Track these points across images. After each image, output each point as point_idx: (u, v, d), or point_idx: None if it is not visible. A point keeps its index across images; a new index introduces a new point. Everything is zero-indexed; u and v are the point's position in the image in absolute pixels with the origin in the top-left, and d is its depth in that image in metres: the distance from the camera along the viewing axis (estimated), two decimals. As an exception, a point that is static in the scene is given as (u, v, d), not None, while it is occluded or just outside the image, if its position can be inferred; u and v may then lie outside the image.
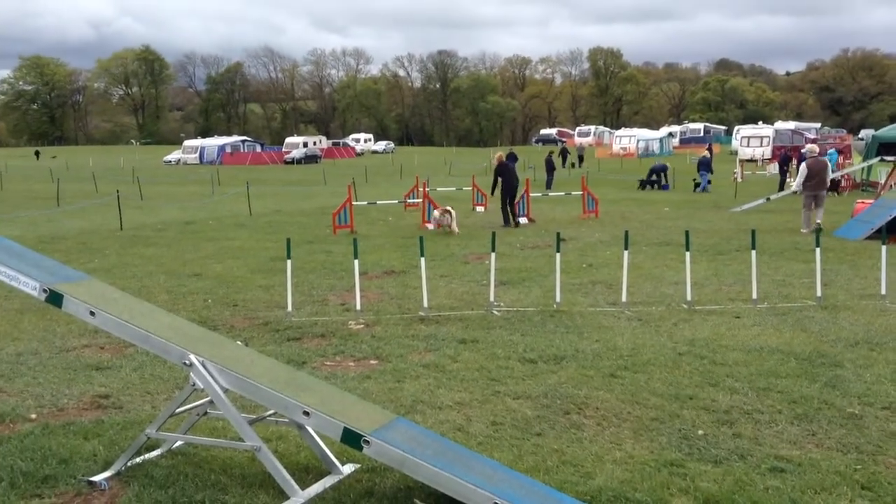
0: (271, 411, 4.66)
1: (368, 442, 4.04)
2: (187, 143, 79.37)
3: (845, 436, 5.10)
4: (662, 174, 32.68)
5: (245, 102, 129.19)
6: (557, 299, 9.11)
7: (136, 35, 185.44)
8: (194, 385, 4.38)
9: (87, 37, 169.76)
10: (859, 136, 56.22)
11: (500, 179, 18.62)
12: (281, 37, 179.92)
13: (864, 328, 7.94)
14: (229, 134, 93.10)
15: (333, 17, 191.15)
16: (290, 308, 8.68)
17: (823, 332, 7.78)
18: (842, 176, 28.50)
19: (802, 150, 20.24)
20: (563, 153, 53.70)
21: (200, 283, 11.07)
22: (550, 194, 25.90)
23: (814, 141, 53.18)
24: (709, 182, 30.63)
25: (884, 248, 9.44)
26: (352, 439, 4.08)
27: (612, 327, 8.16)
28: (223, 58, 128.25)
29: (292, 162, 69.44)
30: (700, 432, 5.18)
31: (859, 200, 17.08)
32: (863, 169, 28.67)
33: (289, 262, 8.67)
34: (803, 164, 17.24)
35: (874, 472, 4.53)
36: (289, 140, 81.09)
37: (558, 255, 9.35)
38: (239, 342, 5.63)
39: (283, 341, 7.73)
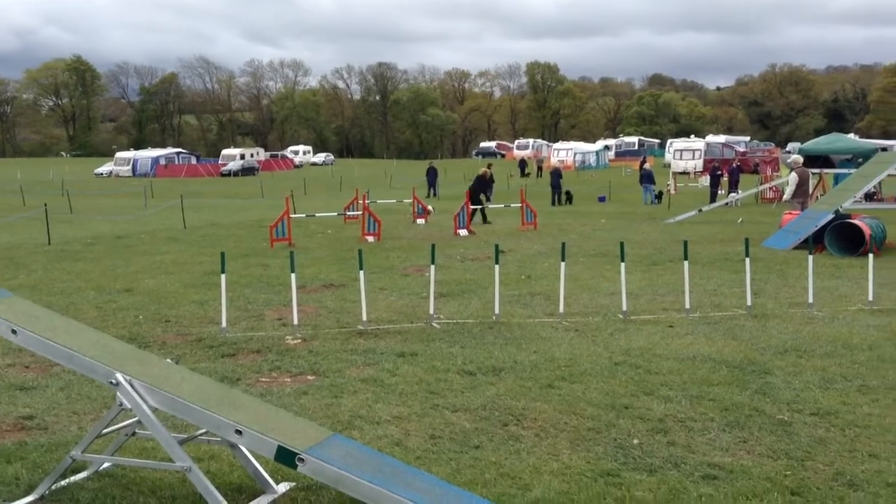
0: (203, 430, 4.54)
1: (303, 460, 3.96)
2: (120, 154, 77.42)
3: (775, 442, 5.21)
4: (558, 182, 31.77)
5: (180, 114, 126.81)
6: (496, 311, 9.14)
7: (64, 44, 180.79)
8: (121, 405, 4.24)
9: (10, 46, 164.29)
10: (786, 149, 58.11)
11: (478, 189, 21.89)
12: (214, 47, 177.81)
13: (792, 336, 8.17)
14: (164, 146, 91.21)
15: (266, 29, 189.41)
16: (224, 323, 8.50)
17: (753, 341, 7.97)
18: (770, 188, 29.39)
19: (789, 161, 20.84)
20: (522, 164, 59.60)
21: (131, 298, 10.77)
22: (490, 206, 26.03)
23: (743, 154, 54.86)
24: (656, 196, 30.99)
25: (810, 257, 9.75)
26: (286, 457, 4.00)
27: (550, 338, 8.22)
28: (157, 68, 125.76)
29: (229, 174, 68.42)
30: (635, 441, 5.24)
31: (787, 212, 17.63)
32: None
33: (223, 276, 8.51)
34: (793, 174, 18.03)
35: (803, 478, 4.64)
36: (225, 152, 79.90)
37: (497, 267, 9.39)
38: (169, 360, 5.48)
39: (217, 358, 7.56)
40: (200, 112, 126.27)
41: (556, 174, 31.38)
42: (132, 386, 4.23)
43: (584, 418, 5.71)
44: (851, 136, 45.02)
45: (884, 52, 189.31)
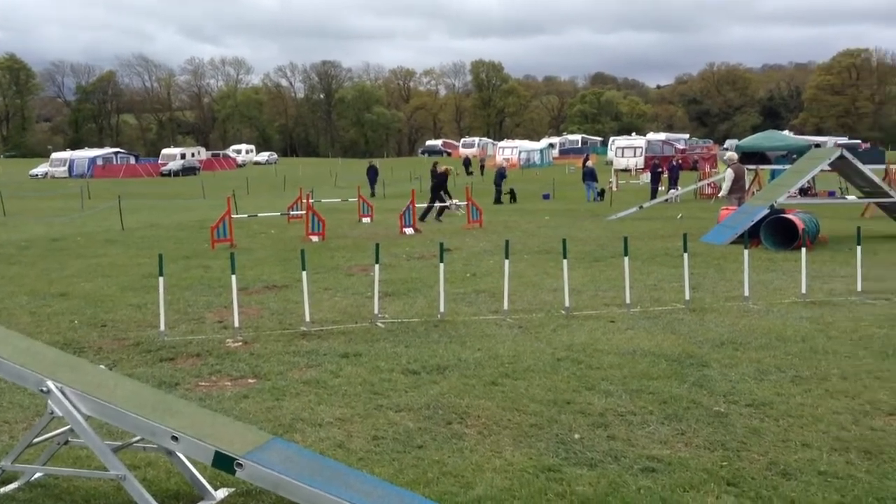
0: (138, 437, 4.44)
1: (241, 465, 3.90)
2: (55, 155, 75.32)
3: (712, 434, 5.32)
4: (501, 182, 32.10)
5: (118, 113, 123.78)
6: (441, 309, 9.14)
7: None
8: (53, 413, 4.13)
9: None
10: (724, 146, 59.46)
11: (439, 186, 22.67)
12: (152, 45, 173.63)
13: (728, 329, 8.36)
14: (101, 146, 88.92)
15: (205, 26, 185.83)
16: (162, 327, 8.32)
17: (692, 334, 8.14)
18: (708, 184, 30.05)
19: (725, 157, 21.30)
20: (467, 163, 59.64)
21: (66, 303, 10.48)
22: (436, 205, 26.03)
23: (683, 151, 55.96)
24: (599, 193, 31.38)
25: (746, 252, 9.99)
26: (224, 463, 3.94)
27: (494, 335, 8.25)
28: (94, 66, 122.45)
29: (169, 174, 67.20)
30: (576, 436, 5.30)
31: (724, 207, 18.05)
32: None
33: (161, 279, 8.33)
34: (729, 170, 18.48)
35: (739, 468, 4.75)
36: (165, 151, 78.41)
37: (442, 265, 9.39)
38: (103, 366, 5.35)
39: (155, 362, 7.40)
40: (139, 111, 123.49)
41: (500, 173, 31.58)
42: (63, 394, 4.13)
43: (526, 415, 5.75)
44: (786, 133, 46.38)
45: (817, 51, 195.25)
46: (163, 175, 67.54)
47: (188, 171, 68.59)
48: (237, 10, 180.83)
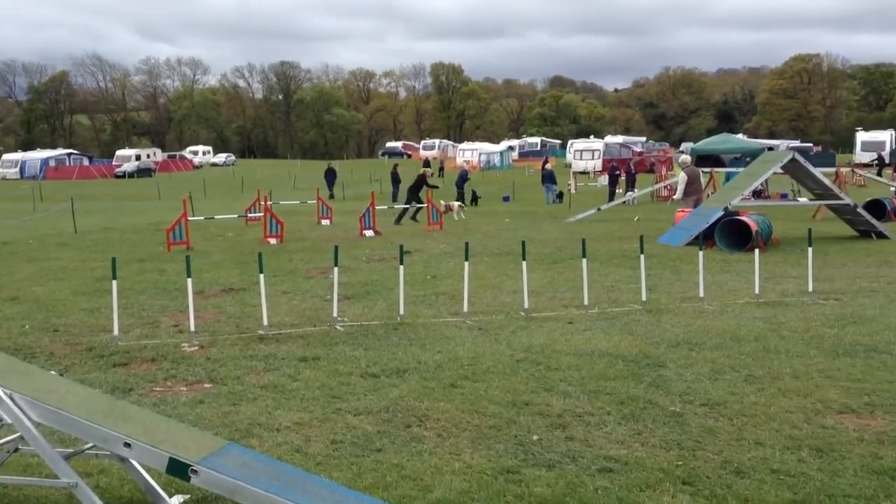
0: (90, 444, 4.35)
1: (196, 471, 3.84)
2: (6, 156, 73.48)
3: (668, 433, 5.39)
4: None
5: (72, 113, 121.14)
6: (401, 312, 9.13)
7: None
8: (2, 420, 4.03)
9: None
10: (680, 148, 60.38)
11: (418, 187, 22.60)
12: (107, 45, 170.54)
13: (684, 329, 8.48)
14: (54, 147, 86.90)
15: (160, 26, 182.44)
16: (116, 331, 8.17)
17: (648, 335, 8.23)
18: (665, 187, 30.44)
19: (679, 160, 21.56)
20: (426, 165, 57.42)
21: (17, 307, 10.23)
22: (396, 207, 26.03)
23: (640, 154, 56.67)
24: (558, 195, 31.58)
25: (701, 253, 10.15)
26: (178, 469, 3.88)
27: (454, 337, 8.26)
28: (47, 66, 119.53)
29: (124, 176, 65.99)
30: (535, 437, 5.32)
31: (680, 209, 18.30)
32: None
33: (114, 282, 8.18)
34: (682, 173, 18.64)
35: (694, 468, 4.82)
36: (120, 153, 77.04)
37: (402, 267, 9.37)
38: (54, 371, 5.23)
39: (109, 367, 7.26)
40: (93, 111, 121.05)
41: (462, 176, 31.63)
42: (13, 400, 4.03)
43: (485, 416, 5.76)
44: (740, 136, 47.24)
45: (770, 56, 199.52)
46: (117, 177, 66.33)
47: (143, 172, 67.46)
48: (193, 9, 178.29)
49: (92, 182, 60.22)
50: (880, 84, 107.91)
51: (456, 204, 24.54)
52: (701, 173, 19.89)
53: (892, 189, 24.70)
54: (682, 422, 5.61)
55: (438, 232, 19.79)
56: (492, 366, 7.10)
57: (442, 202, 24.14)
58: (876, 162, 42.82)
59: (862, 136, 61.78)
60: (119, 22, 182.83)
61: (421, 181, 23.27)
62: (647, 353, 7.49)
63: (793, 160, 16.90)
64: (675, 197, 20.49)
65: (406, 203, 23.10)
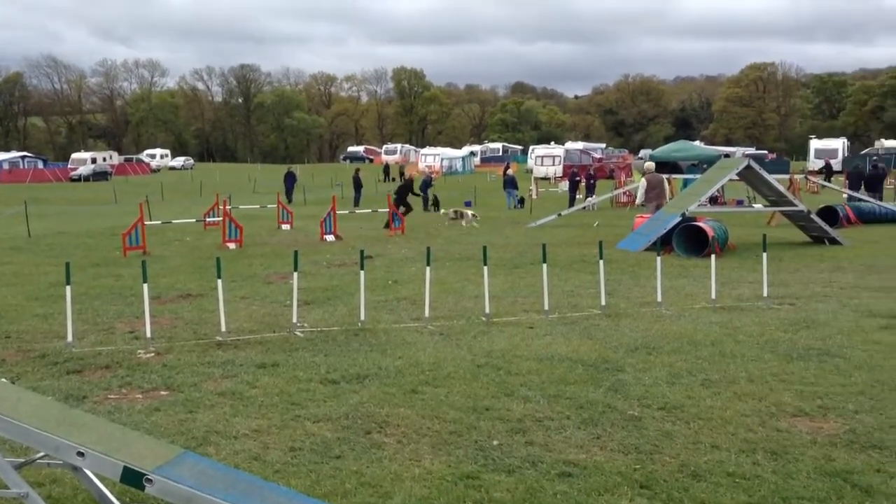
0: (42, 453, 4.25)
1: (151, 480, 3.77)
2: (-43, 159, 71.71)
3: (626, 437, 5.44)
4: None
5: (26, 115, 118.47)
6: (362, 317, 9.08)
7: None
8: (-51, 430, 3.91)
9: None
10: (639, 155, 61.15)
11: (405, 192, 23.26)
12: (63, 46, 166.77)
13: (642, 334, 8.57)
14: (7, 149, 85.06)
15: (117, 27, 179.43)
16: (70, 338, 8.00)
17: (607, 339, 8.31)
18: (624, 192, 30.79)
19: (644, 167, 21.81)
20: (386, 169, 60.25)
21: (-34, 313, 9.97)
22: (358, 211, 25.95)
23: (600, 160, 57.27)
24: (519, 201, 31.71)
25: (658, 258, 10.27)
26: (132, 478, 3.80)
27: (415, 343, 8.24)
28: (0, 67, 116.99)
29: (79, 179, 64.82)
30: (495, 442, 5.33)
31: (639, 215, 18.52)
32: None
33: (68, 287, 8.01)
34: (643, 179, 18.86)
35: (651, 471, 4.87)
36: (75, 156, 75.58)
37: (363, 272, 9.33)
38: (5, 379, 5.10)
39: (62, 375, 7.11)
40: (48, 114, 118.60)
41: (426, 181, 31.63)
42: (-41, 409, 3.91)
43: (446, 422, 5.76)
44: (697, 143, 48.10)
45: (726, 65, 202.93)
46: (72, 180, 65.13)
47: (99, 176, 66.32)
48: (151, 10, 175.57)
49: (46, 185, 58.99)
50: (833, 93, 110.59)
51: (470, 212, 24.14)
52: (664, 179, 20.13)
53: (845, 196, 25.28)
54: (640, 426, 5.67)
55: (400, 237, 19.75)
56: (453, 371, 7.10)
57: (451, 210, 24.40)
58: (823, 169, 44.03)
59: (815, 144, 63.19)
60: (75, 23, 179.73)
61: (409, 185, 23.60)
62: (606, 357, 7.56)
63: (748, 167, 17.21)
64: (637, 202, 20.73)
65: (396, 205, 23.12)
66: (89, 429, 4.19)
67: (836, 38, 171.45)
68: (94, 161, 71.70)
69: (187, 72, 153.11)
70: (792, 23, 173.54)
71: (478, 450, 5.21)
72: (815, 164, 55.12)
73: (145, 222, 17.05)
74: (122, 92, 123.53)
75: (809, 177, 34.51)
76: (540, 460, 5.02)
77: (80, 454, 3.87)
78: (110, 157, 76.71)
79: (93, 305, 10.36)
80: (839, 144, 62.55)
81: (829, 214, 20.07)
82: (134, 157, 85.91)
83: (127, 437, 4.34)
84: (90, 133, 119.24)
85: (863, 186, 27.91)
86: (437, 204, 30.84)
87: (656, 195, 18.68)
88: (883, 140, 71.70)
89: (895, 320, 9.06)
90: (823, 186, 32.82)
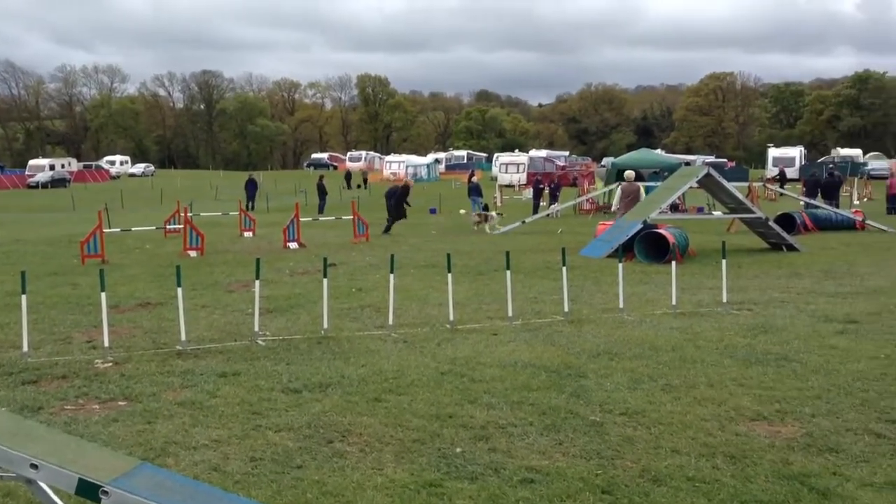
0: (-7, 467, 4.14)
1: (107, 492, 3.69)
2: None
3: (588, 443, 5.47)
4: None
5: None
6: (325, 325, 9.03)
7: None
8: None
9: None
10: (602, 163, 61.77)
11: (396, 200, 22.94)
12: (19, 51, 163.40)
13: (604, 340, 8.64)
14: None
15: (76, 32, 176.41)
16: (25, 348, 7.83)
17: (570, 345, 8.36)
18: (587, 200, 31.07)
19: (625, 174, 21.91)
20: (348, 176, 60.12)
21: (-84, 324, 9.70)
22: (322, 219, 25.82)
23: (563, 168, 57.70)
24: (484, 208, 31.79)
25: (621, 265, 10.37)
26: (88, 491, 3.72)
27: (379, 351, 8.21)
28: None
29: (37, 186, 63.77)
30: (458, 450, 5.33)
31: (601, 222, 18.70)
32: (605, 193, 31.44)
33: (24, 296, 7.84)
34: (619, 188, 19.09)
35: (613, 476, 4.90)
36: (33, 162, 74.29)
37: (326, 280, 9.28)
38: (-45, 391, 4.98)
39: (17, 385, 6.96)
40: (5, 120, 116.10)
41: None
42: None
43: (409, 430, 5.74)
44: (659, 151, 48.66)
45: (686, 74, 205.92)
46: (30, 187, 64.18)
47: (57, 182, 65.40)
48: (110, 15, 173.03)
49: (3, 192, 57.82)
50: (790, 102, 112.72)
51: (494, 213, 24.02)
52: (640, 189, 20.39)
53: (802, 203, 25.78)
54: (601, 431, 5.70)
55: (364, 244, 19.68)
56: (416, 379, 7.08)
57: (474, 213, 24.29)
58: (778, 177, 44.97)
59: (773, 153, 64.44)
60: (33, 27, 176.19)
61: (405, 192, 23.58)
62: (568, 363, 7.60)
63: (708, 175, 17.47)
64: (612, 209, 21.12)
65: (394, 216, 23.03)
66: (44, 440, 4.10)
67: (794, 49, 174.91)
68: (52, 168, 70.65)
69: (148, 78, 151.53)
70: (750, 33, 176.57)
71: (441, 457, 5.20)
72: (772, 171, 56.16)
73: (104, 230, 16.78)
74: (82, 98, 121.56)
75: (767, 184, 35.13)
76: (503, 467, 5.02)
77: (34, 466, 3.78)
78: (69, 164, 75.53)
79: (49, 315, 10.16)
80: (796, 153, 63.89)
81: (786, 221, 20.45)
82: (93, 163, 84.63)
83: (83, 448, 4.26)
84: (48, 139, 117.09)
85: (819, 194, 28.52)
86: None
87: (630, 202, 18.86)
88: (839, 148, 73.33)
89: (851, 325, 9.25)
90: (781, 194, 33.44)
